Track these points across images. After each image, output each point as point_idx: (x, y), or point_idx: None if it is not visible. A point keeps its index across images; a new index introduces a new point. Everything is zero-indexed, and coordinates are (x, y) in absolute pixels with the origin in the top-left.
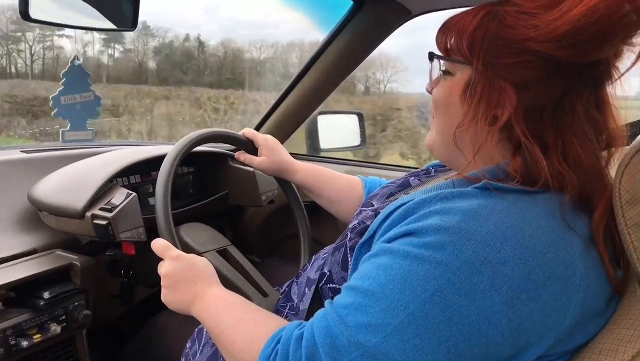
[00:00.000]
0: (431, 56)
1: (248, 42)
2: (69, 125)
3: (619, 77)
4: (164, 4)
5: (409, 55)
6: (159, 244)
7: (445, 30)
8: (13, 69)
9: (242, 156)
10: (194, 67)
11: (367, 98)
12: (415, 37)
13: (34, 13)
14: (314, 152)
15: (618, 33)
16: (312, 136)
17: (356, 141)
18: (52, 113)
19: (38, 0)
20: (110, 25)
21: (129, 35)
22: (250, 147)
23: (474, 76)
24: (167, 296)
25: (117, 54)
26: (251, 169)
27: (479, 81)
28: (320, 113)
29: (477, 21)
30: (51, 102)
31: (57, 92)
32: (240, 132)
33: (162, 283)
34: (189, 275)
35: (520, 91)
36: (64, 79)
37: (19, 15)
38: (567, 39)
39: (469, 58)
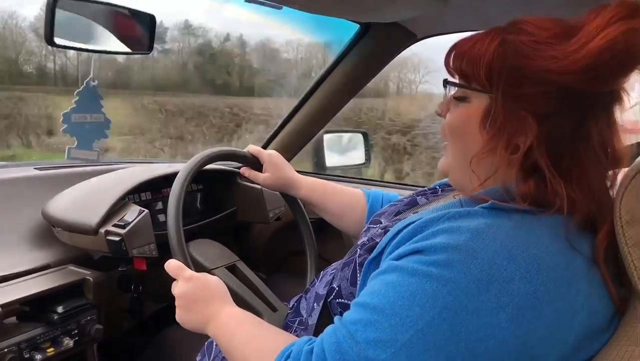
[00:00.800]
0: (446, 83)
1: (285, 41)
2: (76, 143)
3: (633, 106)
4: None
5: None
6: (172, 266)
7: (457, 56)
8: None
9: (247, 172)
10: (236, 70)
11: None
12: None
13: (58, 39)
14: (319, 170)
15: (637, 64)
16: (318, 154)
17: (361, 159)
18: (62, 129)
19: (61, 29)
20: (127, 49)
21: (170, 34)
22: (256, 164)
23: (494, 106)
24: (182, 317)
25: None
26: (259, 186)
27: (499, 112)
28: (326, 132)
29: (493, 50)
30: (62, 117)
31: (69, 109)
32: (245, 149)
33: (176, 303)
34: (203, 296)
35: (541, 121)
36: (77, 97)
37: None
38: (588, 72)
39: (487, 87)
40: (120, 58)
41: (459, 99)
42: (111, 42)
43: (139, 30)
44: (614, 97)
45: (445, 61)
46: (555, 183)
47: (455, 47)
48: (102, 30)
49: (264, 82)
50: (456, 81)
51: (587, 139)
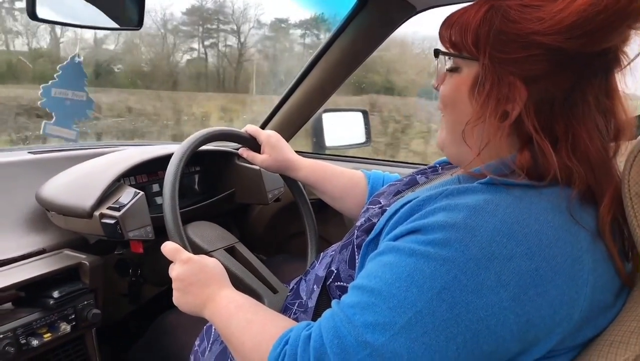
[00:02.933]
0: (436, 53)
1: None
2: (54, 118)
3: (629, 64)
4: None
5: None
6: (168, 248)
7: (448, 25)
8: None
9: (245, 152)
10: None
11: None
12: None
13: (40, 12)
14: (319, 150)
15: (625, 20)
16: (318, 133)
17: (361, 138)
18: (39, 102)
19: (44, 1)
20: (115, 25)
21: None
22: (254, 144)
23: (482, 72)
24: (179, 299)
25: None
26: (257, 167)
27: (487, 77)
28: (325, 111)
29: (481, 16)
30: (41, 90)
31: (49, 83)
32: (243, 130)
33: (173, 286)
34: (200, 278)
35: (530, 85)
36: (60, 72)
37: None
38: (574, 30)
39: (475, 54)
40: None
41: (451, 70)
42: (98, 17)
43: (128, 5)
44: (609, 59)
45: (439, 33)
46: (545, 148)
47: (447, 17)
48: (88, 5)
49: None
50: (448, 51)
51: (581, 104)
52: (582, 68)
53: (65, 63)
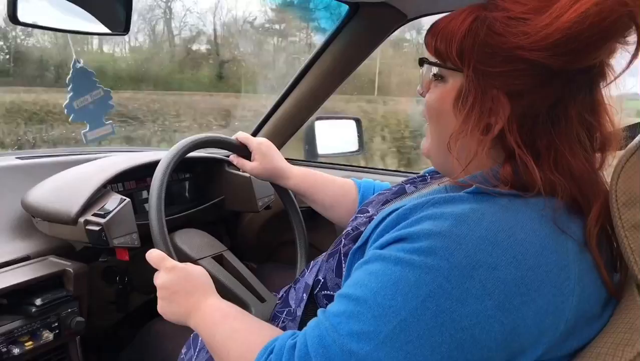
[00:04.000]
0: (421, 62)
1: None
2: (87, 126)
3: (615, 79)
4: None
5: None
6: (153, 256)
7: (434, 33)
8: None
9: (235, 159)
10: None
11: None
12: None
13: (22, 16)
14: (311, 157)
15: (611, 37)
16: (310, 141)
17: (354, 146)
18: (70, 119)
19: (26, 3)
20: (102, 29)
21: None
22: (245, 152)
23: (466, 85)
24: (164, 308)
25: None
26: (247, 174)
27: (470, 90)
28: (318, 118)
29: (466, 27)
30: (65, 110)
31: (67, 100)
32: (233, 137)
33: (158, 294)
34: (185, 286)
35: (513, 100)
36: (71, 85)
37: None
38: (558, 47)
39: (459, 65)
40: None
41: (437, 78)
42: (84, 22)
43: (115, 9)
44: (594, 74)
45: (424, 40)
46: (528, 163)
47: (433, 25)
48: (74, 9)
49: None
50: (433, 60)
51: (564, 119)
52: (566, 84)
53: (70, 74)
